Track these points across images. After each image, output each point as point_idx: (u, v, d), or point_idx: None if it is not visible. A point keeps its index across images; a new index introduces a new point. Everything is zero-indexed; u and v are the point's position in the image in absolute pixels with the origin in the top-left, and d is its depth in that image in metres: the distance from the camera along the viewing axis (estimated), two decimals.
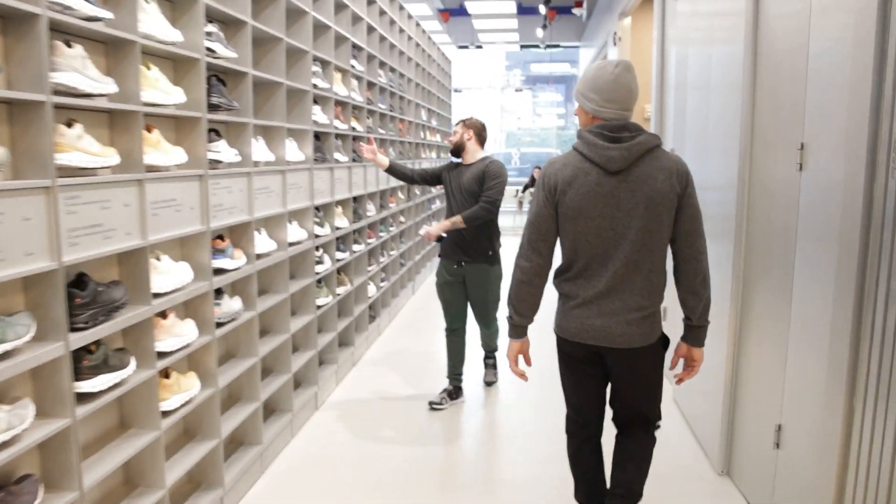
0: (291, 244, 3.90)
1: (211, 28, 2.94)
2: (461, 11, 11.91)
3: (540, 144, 21.50)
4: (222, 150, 3.04)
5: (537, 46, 12.92)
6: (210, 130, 3.03)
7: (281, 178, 3.70)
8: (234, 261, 3.15)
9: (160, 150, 2.58)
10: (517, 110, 22.56)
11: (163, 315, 2.65)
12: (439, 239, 4.23)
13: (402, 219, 6.93)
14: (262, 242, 3.50)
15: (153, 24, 2.52)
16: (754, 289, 2.99)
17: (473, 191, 4.10)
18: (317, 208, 4.31)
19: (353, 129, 5.03)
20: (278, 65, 3.65)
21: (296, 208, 3.92)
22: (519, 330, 2.45)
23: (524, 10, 11.77)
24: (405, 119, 6.98)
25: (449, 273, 4.27)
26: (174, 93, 2.66)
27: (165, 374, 2.69)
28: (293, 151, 3.87)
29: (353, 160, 4.97)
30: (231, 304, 3.16)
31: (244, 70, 3.22)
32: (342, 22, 4.78)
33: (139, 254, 2.46)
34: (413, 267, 7.54)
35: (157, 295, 2.57)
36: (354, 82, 5.04)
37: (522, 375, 2.53)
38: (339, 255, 4.72)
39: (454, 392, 4.42)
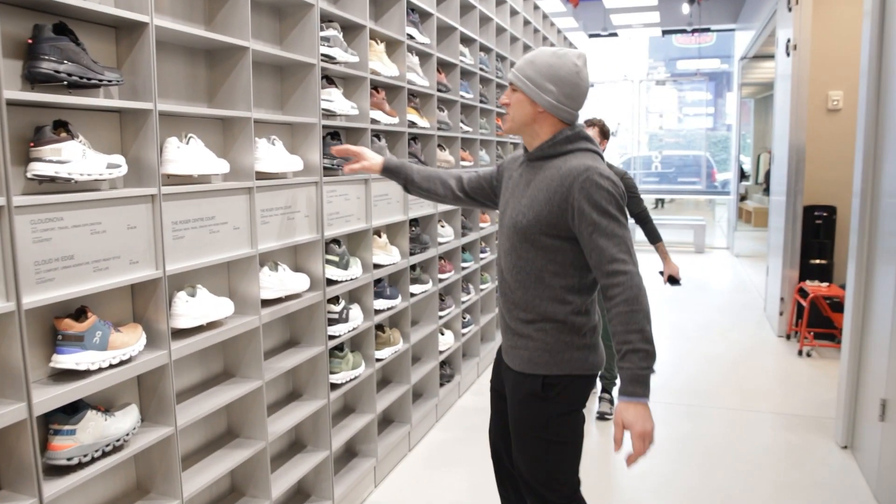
0: (271, 301, 2.45)
1: None
2: None
3: (685, 147, 19.00)
4: (72, 159, 1.63)
5: (684, 31, 10.86)
6: (57, 123, 1.63)
7: (246, 200, 2.26)
8: (108, 352, 1.73)
9: None
10: (659, 108, 20.16)
11: None
12: (674, 281, 3.94)
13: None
14: (196, 308, 2.06)
15: None
16: None
17: None
18: (334, 241, 2.85)
19: (412, 123, 3.53)
20: (239, 19, 2.21)
21: (283, 245, 2.47)
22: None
23: None
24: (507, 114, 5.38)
25: None
26: None
27: None
28: (278, 157, 2.42)
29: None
30: (106, 427, 1.75)
31: (140, 19, 1.80)
32: None
33: None
34: None
35: None
36: (414, 59, 3.54)
37: None
38: (382, 303, 3.23)
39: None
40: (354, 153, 2.37)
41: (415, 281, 3.62)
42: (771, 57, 10.24)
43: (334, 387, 2.85)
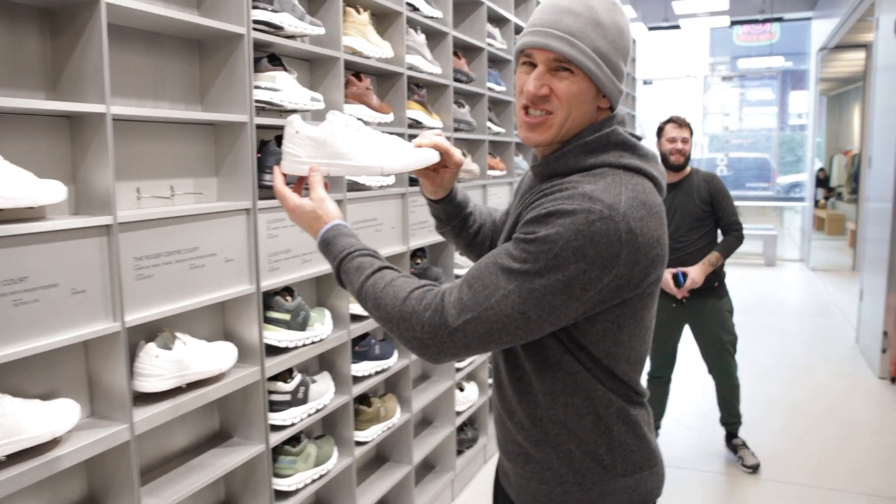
0: (163, 395, 1.56)
1: None
2: None
3: (748, 149, 17.42)
4: None
5: (755, 21, 9.60)
6: None
7: (101, 245, 1.37)
8: None
9: None
10: (723, 107, 18.63)
11: None
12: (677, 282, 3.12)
13: None
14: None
15: None
16: None
17: (699, 215, 3.14)
18: (285, 291, 1.95)
19: (416, 123, 2.61)
20: None
21: (182, 308, 1.58)
22: None
23: None
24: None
25: (666, 312, 3.06)
26: None
27: None
28: (162, 182, 1.54)
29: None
30: None
31: None
32: None
33: None
34: None
35: None
36: (419, 38, 2.62)
37: None
38: (367, 366, 2.32)
39: None
40: (442, 148, 1.28)
41: None
42: (857, 46, 8.95)
43: (283, 495, 1.95)
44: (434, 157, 1.25)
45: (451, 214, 1.41)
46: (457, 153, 1.30)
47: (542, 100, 1.08)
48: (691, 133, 3.19)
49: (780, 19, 9.71)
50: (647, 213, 1.04)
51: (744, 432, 3.48)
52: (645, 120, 9.39)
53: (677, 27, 10.28)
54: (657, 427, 3.39)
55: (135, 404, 1.49)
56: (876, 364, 4.77)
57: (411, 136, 2.57)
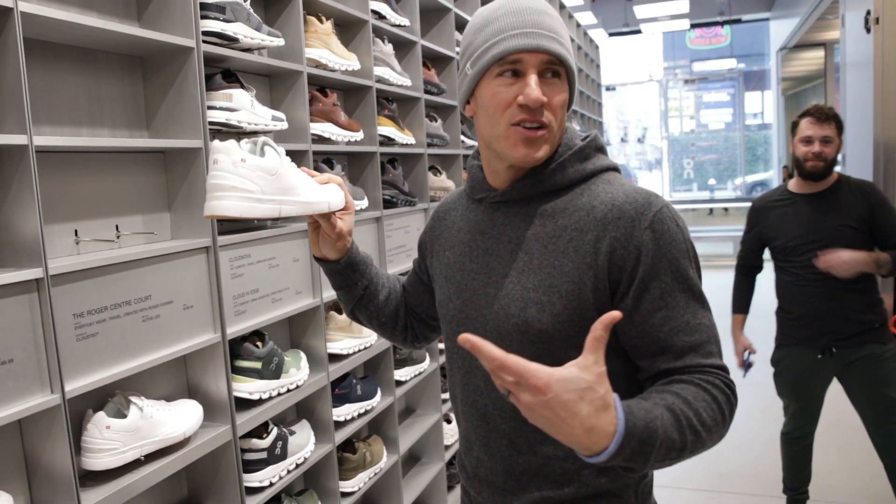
0: (114, 473, 1.34)
1: None
2: None
3: (708, 150, 17.53)
4: None
5: (715, 23, 9.66)
6: None
7: (28, 302, 1.15)
8: None
9: None
10: (681, 110, 18.77)
11: None
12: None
13: None
14: None
15: None
16: None
17: (850, 236, 2.31)
18: (255, 337, 1.74)
19: (388, 139, 2.41)
20: None
21: (128, 371, 1.36)
22: None
23: None
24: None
25: (810, 366, 2.56)
26: None
27: None
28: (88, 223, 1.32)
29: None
30: None
31: None
32: None
33: None
34: None
35: None
36: (387, 48, 2.43)
37: None
38: (349, 409, 2.11)
39: None
40: (342, 186, 1.16)
41: (402, 363, 2.49)
42: (815, 45, 9.04)
43: None
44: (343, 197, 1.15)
45: (360, 273, 1.21)
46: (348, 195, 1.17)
47: (540, 110, 0.96)
48: (840, 130, 2.37)
49: (738, 21, 9.78)
50: None
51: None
52: (607, 127, 9.33)
53: (638, 31, 10.30)
54: (804, 491, 2.74)
55: (83, 486, 1.27)
56: None
57: (385, 157, 2.39)
